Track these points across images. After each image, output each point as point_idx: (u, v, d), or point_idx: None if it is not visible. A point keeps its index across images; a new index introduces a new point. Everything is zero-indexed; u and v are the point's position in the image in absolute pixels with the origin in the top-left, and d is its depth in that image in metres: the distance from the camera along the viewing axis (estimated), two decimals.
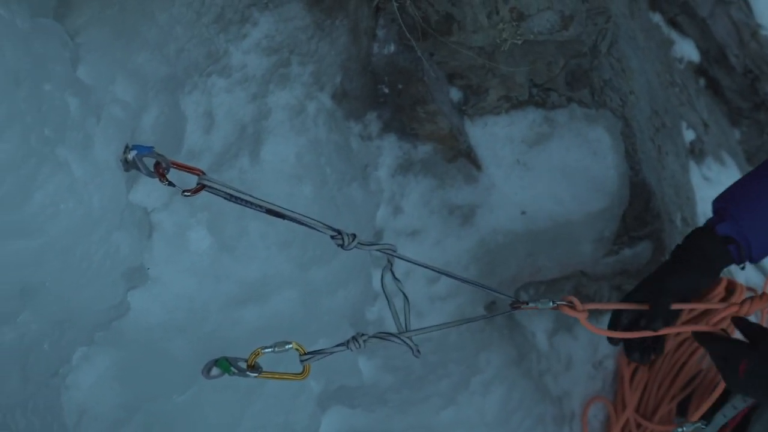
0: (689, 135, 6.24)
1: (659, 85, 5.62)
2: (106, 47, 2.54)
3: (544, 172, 4.26)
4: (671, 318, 3.17)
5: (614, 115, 4.38)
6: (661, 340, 3.22)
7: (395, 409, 3.98)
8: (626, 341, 3.24)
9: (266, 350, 2.33)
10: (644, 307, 3.14)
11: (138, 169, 2.37)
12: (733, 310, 3.33)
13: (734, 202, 3.11)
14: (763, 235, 3.02)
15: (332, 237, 2.50)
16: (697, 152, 6.29)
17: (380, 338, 2.58)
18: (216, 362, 2.32)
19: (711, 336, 3.03)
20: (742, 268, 3.20)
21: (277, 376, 2.35)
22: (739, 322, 3.06)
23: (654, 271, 3.30)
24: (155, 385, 3.00)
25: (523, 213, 4.24)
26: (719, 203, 3.18)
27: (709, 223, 3.18)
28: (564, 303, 3.03)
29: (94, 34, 2.50)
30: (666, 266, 3.25)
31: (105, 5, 2.56)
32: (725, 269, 3.31)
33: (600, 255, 4.52)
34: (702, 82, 7.13)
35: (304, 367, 2.45)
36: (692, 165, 6.15)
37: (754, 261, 3.10)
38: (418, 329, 2.72)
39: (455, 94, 4.18)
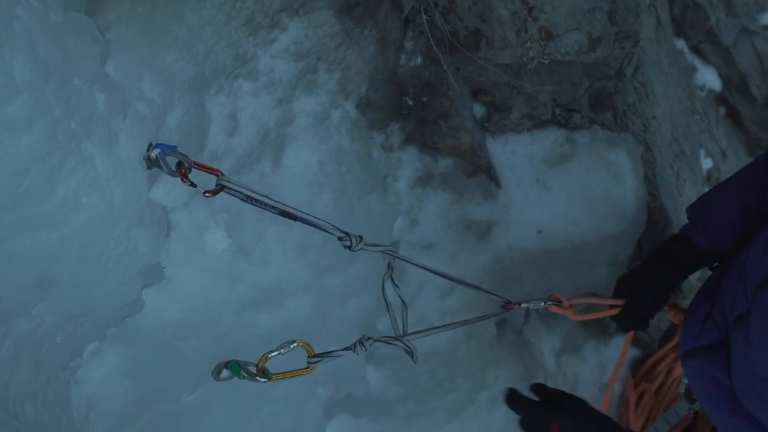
0: (707, 163, 6.23)
1: (680, 112, 5.61)
2: (136, 44, 2.55)
3: (563, 193, 4.26)
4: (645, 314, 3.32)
5: (636, 139, 4.38)
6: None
7: (400, 421, 3.98)
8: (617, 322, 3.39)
9: (273, 354, 2.34)
10: (620, 302, 3.30)
11: (160, 167, 2.38)
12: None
13: (703, 210, 3.24)
14: (729, 239, 3.11)
15: (340, 239, 2.52)
16: (714, 180, 6.26)
17: (384, 342, 2.61)
18: (227, 365, 2.33)
19: (523, 401, 2.98)
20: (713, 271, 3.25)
21: (285, 376, 2.36)
22: (541, 388, 3.04)
23: (629, 271, 3.45)
24: (165, 383, 3.00)
25: (540, 232, 4.24)
26: (691, 210, 3.30)
27: (683, 229, 3.31)
28: (552, 303, 3.21)
29: (124, 31, 2.51)
30: (641, 267, 3.38)
31: (136, 3, 2.57)
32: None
33: (614, 278, 4.50)
34: (722, 110, 7.12)
35: (310, 365, 2.47)
36: None
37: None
38: (415, 332, 2.75)
39: (478, 110, 4.19)
